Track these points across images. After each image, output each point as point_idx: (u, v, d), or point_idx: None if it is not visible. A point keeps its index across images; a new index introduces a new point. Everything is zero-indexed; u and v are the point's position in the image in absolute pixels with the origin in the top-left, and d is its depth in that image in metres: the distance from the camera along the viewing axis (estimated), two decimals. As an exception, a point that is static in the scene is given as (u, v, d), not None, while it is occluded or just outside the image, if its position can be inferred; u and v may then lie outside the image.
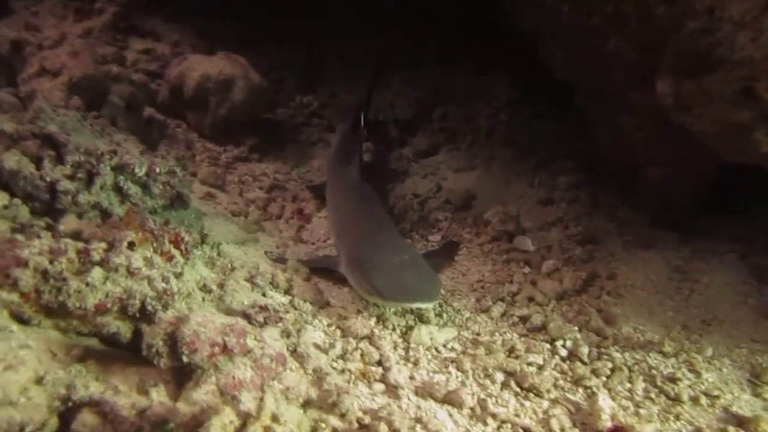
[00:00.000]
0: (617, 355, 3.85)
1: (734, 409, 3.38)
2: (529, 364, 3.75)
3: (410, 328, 4.03)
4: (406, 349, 3.86)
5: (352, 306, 4.33)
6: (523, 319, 4.26)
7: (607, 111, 5.13)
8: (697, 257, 4.90)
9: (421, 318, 4.15)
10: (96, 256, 3.19)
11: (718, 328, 4.17)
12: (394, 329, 4.05)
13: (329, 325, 4.02)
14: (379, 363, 3.69)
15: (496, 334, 4.11)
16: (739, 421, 3.25)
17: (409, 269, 4.09)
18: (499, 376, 3.60)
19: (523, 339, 4.05)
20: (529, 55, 7.83)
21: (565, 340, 3.99)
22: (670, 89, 3.87)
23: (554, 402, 3.43)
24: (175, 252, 3.50)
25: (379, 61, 7.41)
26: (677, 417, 3.33)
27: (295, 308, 4.15)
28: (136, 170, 4.04)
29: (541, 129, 7.26)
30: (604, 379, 3.63)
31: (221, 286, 3.91)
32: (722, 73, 3.38)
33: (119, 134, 4.98)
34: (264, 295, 4.20)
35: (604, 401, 3.36)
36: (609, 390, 3.53)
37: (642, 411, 3.37)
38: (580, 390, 3.54)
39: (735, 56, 3.27)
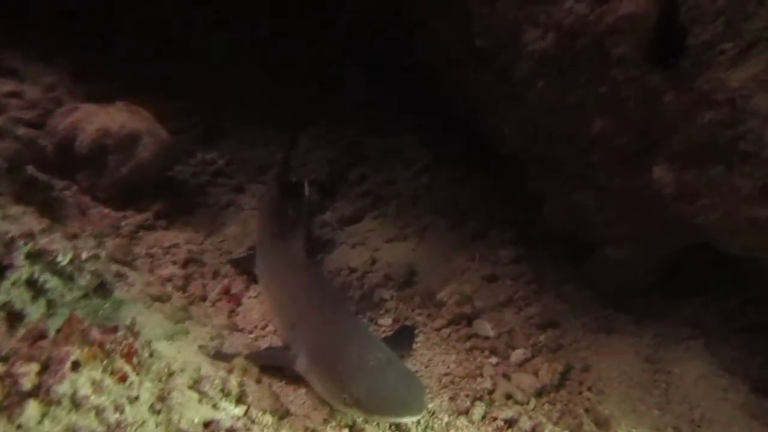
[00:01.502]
0: (621, 467, 3.54)
1: None
2: (535, 481, 3.33)
3: (391, 441, 3.48)
4: (393, 469, 3.30)
5: (316, 414, 3.70)
6: (509, 423, 3.81)
7: (564, 186, 4.97)
8: (662, 344, 4.77)
9: (398, 426, 3.61)
10: (27, 384, 2.39)
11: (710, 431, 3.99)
12: (372, 443, 3.48)
13: (297, 443, 3.37)
14: (368, 491, 3.12)
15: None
16: None
17: (390, 373, 3.53)
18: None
19: (513, 449, 3.63)
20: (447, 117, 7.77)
21: (562, 449, 3.62)
22: (671, 178, 3.70)
23: None
24: (127, 368, 2.75)
25: (299, 115, 6.92)
26: None
27: (254, 422, 3.45)
28: (59, 258, 3.19)
29: (465, 195, 7.06)
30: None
31: (162, 399, 3.13)
32: (746, 168, 3.24)
33: (14, 206, 4.01)
34: (215, 406, 3.44)
35: None
36: None
37: None
38: None
39: (765, 153, 3.14)
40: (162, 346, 3.85)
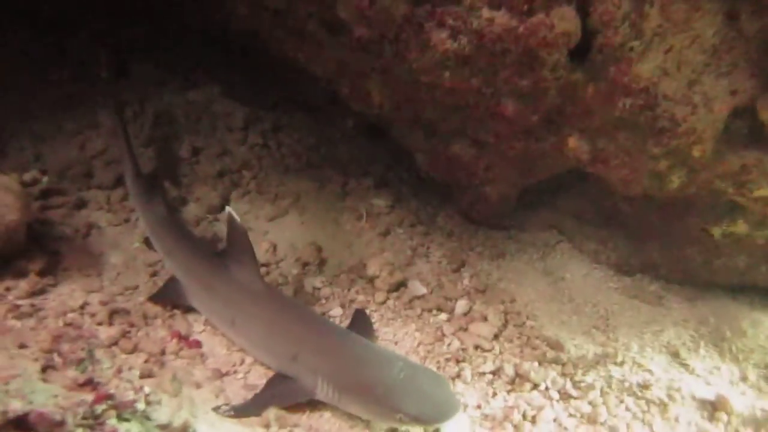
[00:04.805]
0: (589, 379, 4.54)
1: (699, 395, 4.42)
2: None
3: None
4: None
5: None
6: (495, 374, 4.58)
7: (440, 141, 5.52)
8: (545, 255, 5.91)
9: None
10: None
11: (616, 321, 5.22)
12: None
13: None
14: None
15: (489, 402, 4.36)
16: (713, 406, 4.32)
17: (420, 378, 4.00)
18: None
19: (513, 396, 4.40)
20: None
21: (545, 382, 4.50)
22: (587, 147, 4.64)
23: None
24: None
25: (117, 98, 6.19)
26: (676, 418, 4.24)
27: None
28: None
29: (302, 146, 7.17)
30: (604, 408, 4.28)
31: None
32: (663, 139, 4.26)
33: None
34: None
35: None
36: (616, 418, 4.24)
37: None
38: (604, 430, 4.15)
39: (680, 128, 4.14)
40: (201, 426, 3.75)
